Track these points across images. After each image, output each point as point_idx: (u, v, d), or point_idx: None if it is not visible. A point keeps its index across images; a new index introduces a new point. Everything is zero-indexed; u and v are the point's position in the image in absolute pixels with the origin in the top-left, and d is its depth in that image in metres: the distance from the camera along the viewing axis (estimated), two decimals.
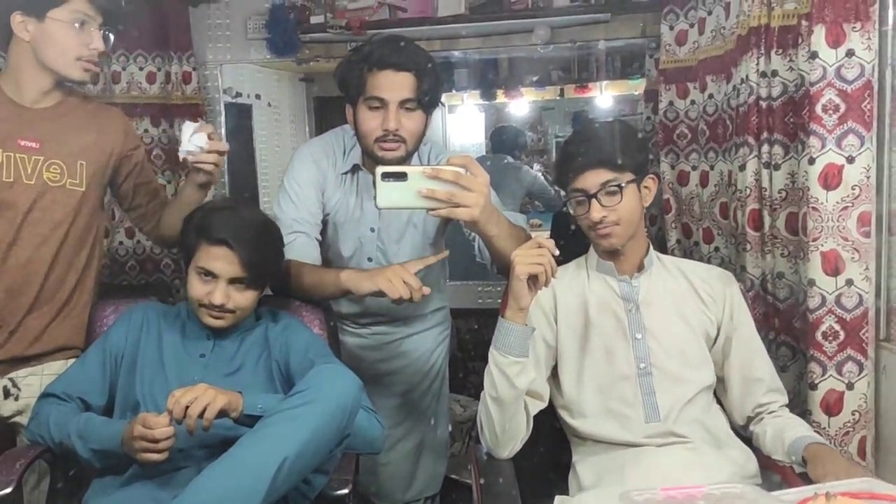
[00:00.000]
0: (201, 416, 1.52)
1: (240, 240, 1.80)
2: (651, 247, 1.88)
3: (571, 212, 1.82)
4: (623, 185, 1.74)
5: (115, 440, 1.65)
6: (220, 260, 1.80)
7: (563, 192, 1.87)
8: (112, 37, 1.97)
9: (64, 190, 1.99)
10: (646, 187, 1.81)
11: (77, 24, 1.90)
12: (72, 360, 1.96)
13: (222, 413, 1.56)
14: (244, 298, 1.84)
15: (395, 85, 1.92)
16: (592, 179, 1.74)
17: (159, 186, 2.31)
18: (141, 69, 3.16)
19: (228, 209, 1.89)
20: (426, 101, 1.97)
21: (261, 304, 1.96)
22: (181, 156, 1.89)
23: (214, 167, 1.93)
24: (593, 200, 1.74)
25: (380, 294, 1.85)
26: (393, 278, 1.82)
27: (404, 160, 2.00)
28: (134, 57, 3.14)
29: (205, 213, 1.87)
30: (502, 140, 5.00)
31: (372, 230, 2.15)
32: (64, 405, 1.79)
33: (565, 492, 1.78)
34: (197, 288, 1.83)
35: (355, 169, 2.12)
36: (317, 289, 2.02)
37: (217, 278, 1.80)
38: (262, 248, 1.84)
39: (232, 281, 1.81)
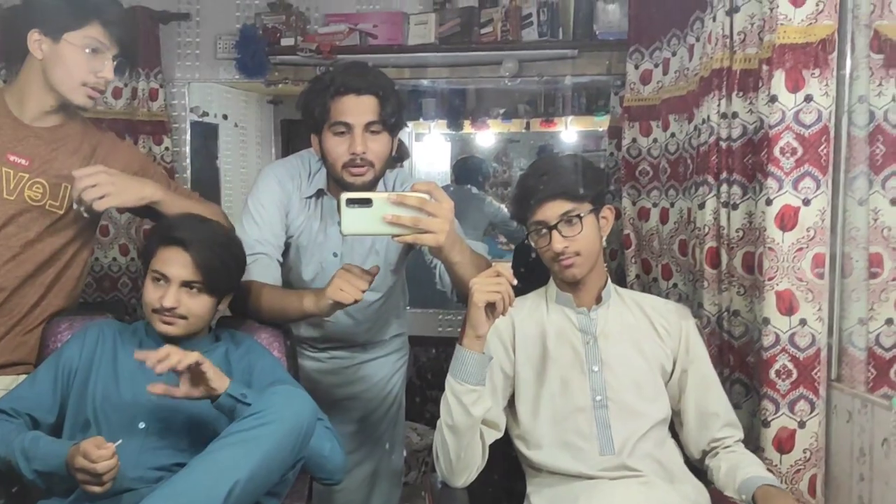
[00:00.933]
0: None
1: (194, 241, 1.80)
2: (609, 280, 1.90)
3: (533, 244, 1.83)
4: (582, 215, 1.76)
5: (60, 461, 1.60)
6: (173, 262, 1.79)
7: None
8: (126, 68, 2.00)
9: (42, 210, 1.98)
10: (604, 217, 1.84)
11: (89, 50, 1.91)
12: (24, 377, 1.92)
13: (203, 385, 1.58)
14: (196, 304, 1.81)
15: (358, 109, 1.94)
16: (552, 211, 1.77)
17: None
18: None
19: (191, 216, 1.91)
20: (391, 122, 1.98)
21: (220, 325, 1.94)
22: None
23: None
24: (554, 232, 1.76)
25: (339, 306, 1.84)
26: (343, 286, 1.81)
27: (373, 184, 2.01)
28: None
29: (168, 219, 1.89)
30: (466, 170, 5.02)
31: (335, 255, 2.14)
32: (11, 422, 1.75)
33: None
34: (150, 292, 1.81)
35: (319, 193, 2.12)
36: (278, 311, 2.00)
37: (169, 282, 1.79)
38: (217, 253, 1.83)
39: (184, 285, 1.80)
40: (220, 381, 1.60)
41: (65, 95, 1.95)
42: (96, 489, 1.55)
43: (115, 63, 1.95)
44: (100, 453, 1.53)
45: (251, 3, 3.24)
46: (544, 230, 1.79)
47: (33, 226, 1.97)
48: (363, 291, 1.81)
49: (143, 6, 3.13)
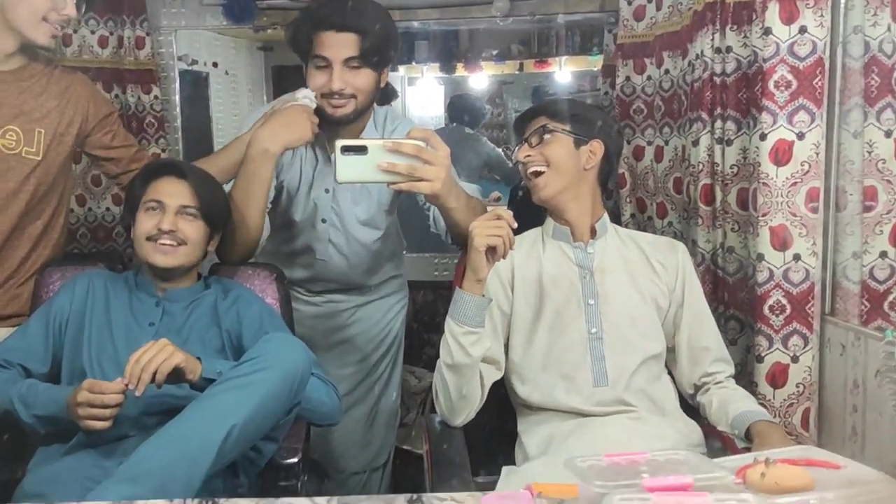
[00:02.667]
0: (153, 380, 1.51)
1: (188, 170, 1.86)
2: (605, 215, 1.90)
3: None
4: (555, 130, 1.83)
5: (60, 405, 1.62)
6: (169, 190, 1.83)
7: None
8: (85, 4, 1.96)
9: (19, 158, 1.96)
10: (591, 151, 1.85)
11: None
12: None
13: (178, 377, 1.55)
14: (193, 230, 1.84)
15: (338, 44, 1.92)
16: (531, 126, 1.87)
17: (140, 148, 2.28)
18: (93, 32, 3.07)
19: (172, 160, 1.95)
20: (373, 59, 1.96)
21: (210, 272, 1.94)
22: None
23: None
24: (524, 144, 1.85)
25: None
26: (302, 126, 1.88)
27: (355, 117, 2.00)
28: (86, 20, 3.06)
29: (149, 163, 1.93)
30: (461, 108, 4.94)
31: (326, 191, 2.13)
32: (4, 372, 1.76)
33: (512, 462, 1.79)
34: (145, 223, 1.82)
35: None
36: (225, 167, 2.01)
37: (165, 208, 1.81)
38: (211, 182, 1.89)
39: (181, 209, 1.82)
40: (193, 367, 1.58)
41: (26, 34, 1.91)
42: (99, 424, 1.56)
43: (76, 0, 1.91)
44: (110, 385, 1.55)
45: None
46: (521, 141, 1.89)
47: (12, 175, 1.96)
48: None
49: None
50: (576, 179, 1.84)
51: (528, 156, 1.85)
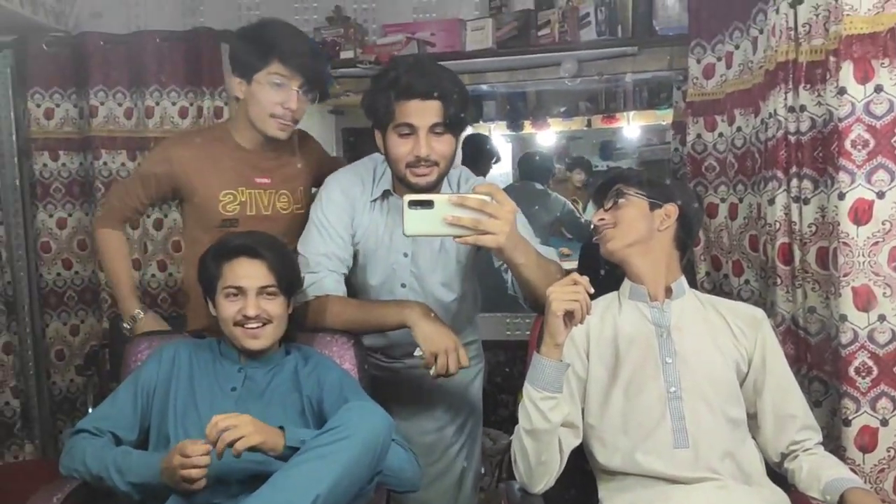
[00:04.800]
0: (232, 445, 1.53)
1: (260, 248, 1.88)
2: (682, 276, 1.90)
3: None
4: (629, 194, 1.86)
5: (154, 471, 1.67)
6: (245, 273, 1.86)
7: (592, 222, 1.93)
8: (315, 95, 2.19)
9: (292, 215, 2.29)
10: (665, 214, 1.85)
11: (273, 86, 2.11)
12: None
13: (257, 449, 1.57)
14: (275, 307, 1.88)
15: (423, 111, 1.94)
16: (607, 192, 1.92)
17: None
18: (174, 104, 3.23)
19: (241, 233, 2.00)
20: (455, 124, 1.99)
21: (289, 340, 1.98)
22: None
23: None
24: (599, 208, 1.92)
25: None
26: (450, 356, 1.91)
27: (437, 184, 2.02)
28: (167, 92, 3.21)
29: (221, 240, 1.95)
30: (530, 166, 4.97)
31: (405, 255, 2.15)
32: (96, 439, 1.81)
33: None
34: (228, 308, 1.87)
35: (386, 194, 2.13)
36: (368, 322, 2.06)
37: (245, 292, 1.85)
38: (282, 252, 1.93)
39: (261, 291, 1.86)
40: (274, 442, 1.59)
41: (260, 128, 2.18)
42: (194, 475, 1.59)
43: (301, 92, 2.13)
44: (195, 448, 1.59)
45: (310, 18, 3.29)
46: (597, 207, 1.94)
47: (293, 231, 2.22)
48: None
49: (205, 27, 3.21)
50: (646, 238, 1.85)
51: (602, 219, 1.88)
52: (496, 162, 4.61)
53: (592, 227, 1.94)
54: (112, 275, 2.41)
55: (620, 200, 1.86)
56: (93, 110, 3.23)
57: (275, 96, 2.11)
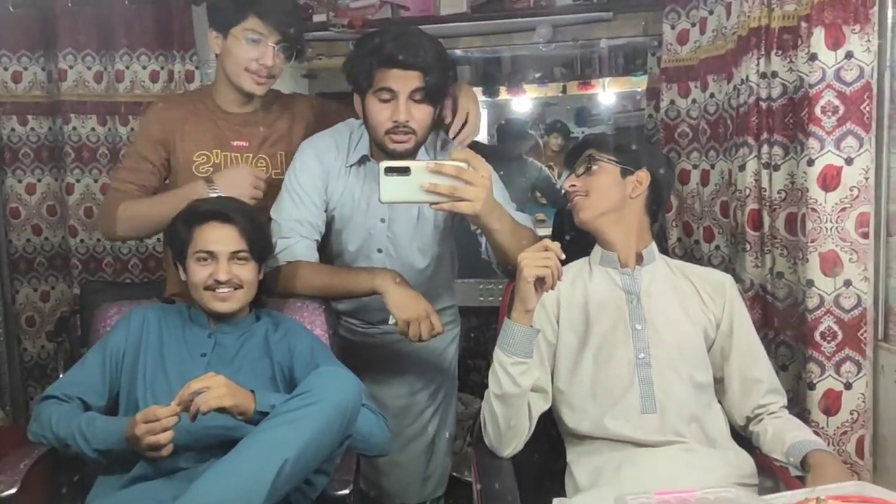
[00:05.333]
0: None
1: (231, 211, 1.87)
2: (652, 242, 1.91)
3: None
4: (601, 161, 1.86)
5: (119, 437, 1.66)
6: (217, 238, 1.85)
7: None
8: (291, 53, 2.16)
9: (270, 182, 2.17)
10: (637, 181, 1.86)
11: (248, 41, 2.10)
12: None
13: (227, 411, 1.57)
14: (246, 272, 1.87)
15: (404, 78, 1.93)
16: (578, 155, 1.92)
17: None
18: (144, 68, 3.17)
19: (212, 198, 1.98)
20: (435, 94, 1.98)
21: (259, 305, 1.98)
22: None
23: None
24: (571, 174, 1.91)
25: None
26: (422, 323, 1.92)
27: (414, 151, 2.02)
28: (137, 56, 3.15)
29: (191, 204, 1.92)
30: (508, 134, 4.99)
31: (382, 220, 2.15)
32: (64, 405, 1.80)
33: (562, 494, 1.79)
34: (198, 272, 1.85)
35: (363, 160, 2.12)
36: (337, 289, 2.06)
37: (217, 257, 1.84)
38: (252, 218, 1.91)
39: (232, 256, 1.85)
40: (245, 405, 1.59)
41: (235, 83, 2.17)
42: (163, 451, 1.60)
43: (277, 49, 2.11)
44: (162, 410, 1.58)
45: None
46: (570, 172, 1.94)
47: (268, 198, 2.14)
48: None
49: None
50: (618, 206, 1.85)
51: (574, 185, 1.88)
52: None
53: (563, 192, 1.94)
54: (163, 204, 2.15)
55: (593, 167, 1.87)
56: (61, 74, 3.17)
57: (251, 52, 2.10)
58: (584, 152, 1.91)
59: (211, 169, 2.20)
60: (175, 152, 2.23)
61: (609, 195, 1.85)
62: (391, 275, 1.98)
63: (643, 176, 1.86)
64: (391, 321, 1.95)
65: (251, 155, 2.25)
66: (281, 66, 2.16)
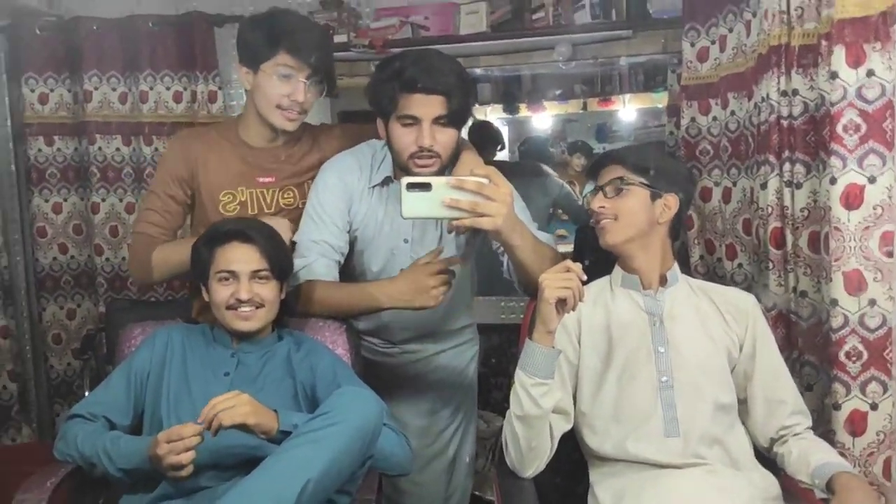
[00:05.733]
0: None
1: (252, 231, 1.89)
2: (675, 264, 1.90)
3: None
4: (633, 183, 1.82)
5: (142, 457, 1.68)
6: (238, 257, 1.87)
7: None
8: (323, 87, 2.15)
9: (299, 211, 2.19)
10: (665, 205, 1.83)
11: (281, 77, 2.07)
12: None
13: (250, 430, 1.59)
14: (268, 291, 1.89)
15: (427, 104, 1.94)
16: (607, 173, 1.85)
17: None
18: (168, 89, 3.21)
19: (233, 219, 2.02)
20: (458, 117, 1.99)
21: (282, 325, 1.99)
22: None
23: None
24: (599, 192, 1.84)
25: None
26: (429, 293, 1.91)
27: (439, 174, 2.01)
28: (161, 77, 3.20)
29: (213, 225, 1.97)
30: (531, 151, 5.02)
31: (406, 241, 2.15)
32: (89, 424, 1.83)
33: None
34: (220, 292, 1.88)
35: (387, 181, 2.12)
36: (346, 309, 2.06)
37: (238, 277, 1.86)
38: (273, 236, 1.93)
39: (253, 275, 1.86)
40: (269, 424, 1.60)
41: (267, 119, 2.14)
42: (182, 472, 1.61)
43: (308, 84, 2.08)
44: (186, 430, 1.60)
45: (303, 1, 3.27)
46: (597, 190, 1.86)
47: (296, 227, 2.16)
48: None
49: (198, 11, 3.18)
50: (646, 231, 1.84)
51: (603, 207, 1.83)
52: (501, 149, 4.64)
53: (589, 211, 1.90)
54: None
55: (623, 189, 1.83)
56: (87, 95, 3.21)
57: (282, 88, 2.07)
58: (608, 165, 1.87)
59: (238, 207, 2.20)
60: (199, 188, 2.22)
61: (638, 220, 1.82)
62: (382, 282, 2.02)
63: (672, 200, 1.85)
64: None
65: (278, 188, 2.23)
66: (312, 101, 2.13)
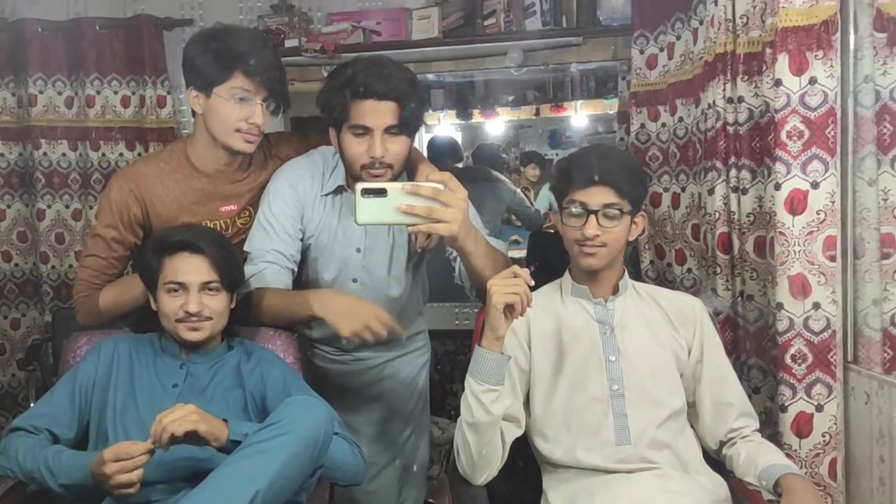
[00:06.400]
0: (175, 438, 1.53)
1: (201, 241, 1.86)
2: (626, 272, 1.90)
3: (561, 222, 1.83)
4: (624, 210, 1.77)
5: (85, 473, 1.63)
6: (187, 269, 1.84)
7: (550, 205, 1.90)
8: (280, 108, 2.07)
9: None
10: (635, 223, 1.83)
11: (237, 99, 1.99)
12: None
13: (201, 441, 1.56)
14: (217, 302, 1.86)
15: (378, 112, 1.92)
16: (598, 196, 1.76)
17: None
18: (115, 93, 3.17)
19: (182, 226, 1.98)
20: (410, 125, 1.97)
21: (232, 334, 1.97)
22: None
23: None
24: (592, 216, 1.75)
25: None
26: (372, 326, 1.85)
27: None
28: (108, 80, 3.15)
29: (162, 234, 1.93)
30: (483, 157, 5.03)
31: (358, 250, 2.13)
32: (31, 437, 1.78)
33: None
34: (169, 303, 1.84)
35: (339, 190, 2.10)
36: (285, 314, 2.01)
37: (187, 288, 1.83)
38: (224, 247, 1.90)
39: (203, 287, 1.83)
40: (218, 432, 1.58)
41: (224, 143, 2.04)
42: (130, 490, 1.58)
43: (265, 105, 2.01)
44: (136, 447, 1.56)
45: (253, 5, 3.24)
46: (582, 211, 1.77)
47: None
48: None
49: (146, 14, 3.14)
50: (621, 251, 1.85)
51: (597, 235, 1.76)
52: (459, 162, 4.65)
53: (576, 238, 1.80)
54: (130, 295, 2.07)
55: (615, 218, 1.77)
56: (32, 99, 3.15)
57: (238, 111, 1.98)
58: (598, 185, 1.76)
59: None
60: (153, 225, 2.11)
61: (621, 244, 1.82)
62: (325, 293, 1.98)
63: (642, 220, 1.86)
64: (344, 341, 1.91)
65: (237, 214, 2.17)
66: (268, 122, 2.06)
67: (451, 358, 3.33)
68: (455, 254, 2.03)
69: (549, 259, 2.00)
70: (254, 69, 1.97)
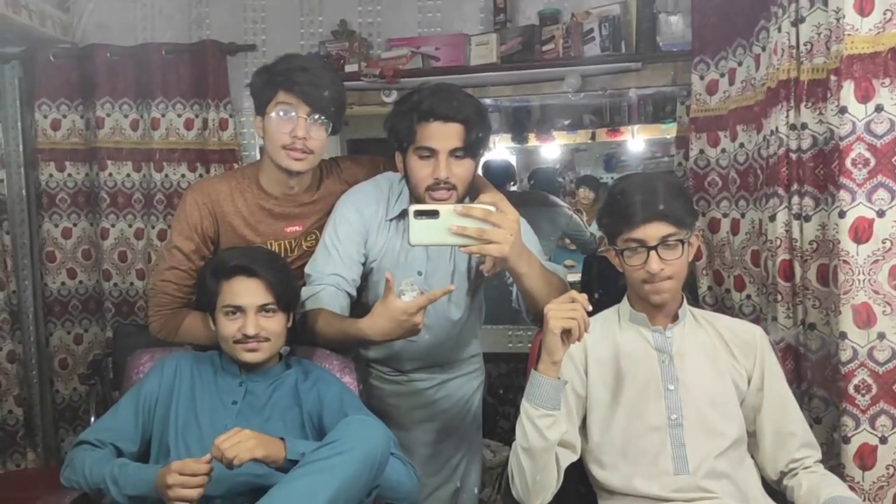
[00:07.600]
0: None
1: (257, 265, 1.89)
2: (684, 299, 1.89)
3: (623, 262, 1.80)
4: (684, 239, 1.75)
5: (150, 484, 1.68)
6: (244, 291, 1.88)
7: (600, 235, 1.88)
8: (328, 123, 2.07)
9: None
10: (690, 244, 1.81)
11: (279, 115, 2.03)
12: None
13: (258, 460, 1.58)
14: (274, 324, 1.90)
15: (444, 135, 1.94)
16: (654, 231, 1.74)
17: None
18: (179, 116, 3.25)
19: (237, 247, 2.03)
20: (474, 148, 1.99)
21: (290, 354, 1.99)
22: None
23: None
24: (652, 252, 1.74)
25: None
26: (406, 325, 1.83)
27: None
28: (172, 104, 3.23)
29: (219, 257, 1.98)
30: (540, 181, 5.05)
31: (419, 273, 2.14)
32: (97, 451, 1.83)
33: None
34: (227, 326, 1.89)
35: (403, 214, 2.12)
36: (338, 337, 2.02)
37: (245, 311, 1.87)
38: (280, 269, 1.94)
39: (260, 309, 1.87)
40: (276, 453, 1.60)
41: (276, 162, 2.08)
42: (189, 493, 1.61)
43: (309, 120, 2.02)
44: (197, 466, 1.60)
45: (315, 31, 3.30)
46: (640, 249, 1.75)
47: None
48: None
49: (211, 39, 3.23)
50: (685, 278, 1.84)
51: (662, 269, 1.74)
52: (514, 185, 4.70)
53: (629, 268, 1.79)
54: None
55: (673, 246, 1.76)
56: (99, 121, 3.26)
57: (283, 126, 2.02)
58: (652, 222, 1.74)
59: None
60: (222, 241, 2.16)
61: (685, 271, 1.81)
62: (365, 321, 1.93)
63: (696, 240, 1.85)
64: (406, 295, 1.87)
65: (304, 236, 2.21)
66: (320, 140, 2.06)
67: (504, 380, 3.32)
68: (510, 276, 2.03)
69: (604, 283, 1.99)
70: (294, 83, 2.01)
